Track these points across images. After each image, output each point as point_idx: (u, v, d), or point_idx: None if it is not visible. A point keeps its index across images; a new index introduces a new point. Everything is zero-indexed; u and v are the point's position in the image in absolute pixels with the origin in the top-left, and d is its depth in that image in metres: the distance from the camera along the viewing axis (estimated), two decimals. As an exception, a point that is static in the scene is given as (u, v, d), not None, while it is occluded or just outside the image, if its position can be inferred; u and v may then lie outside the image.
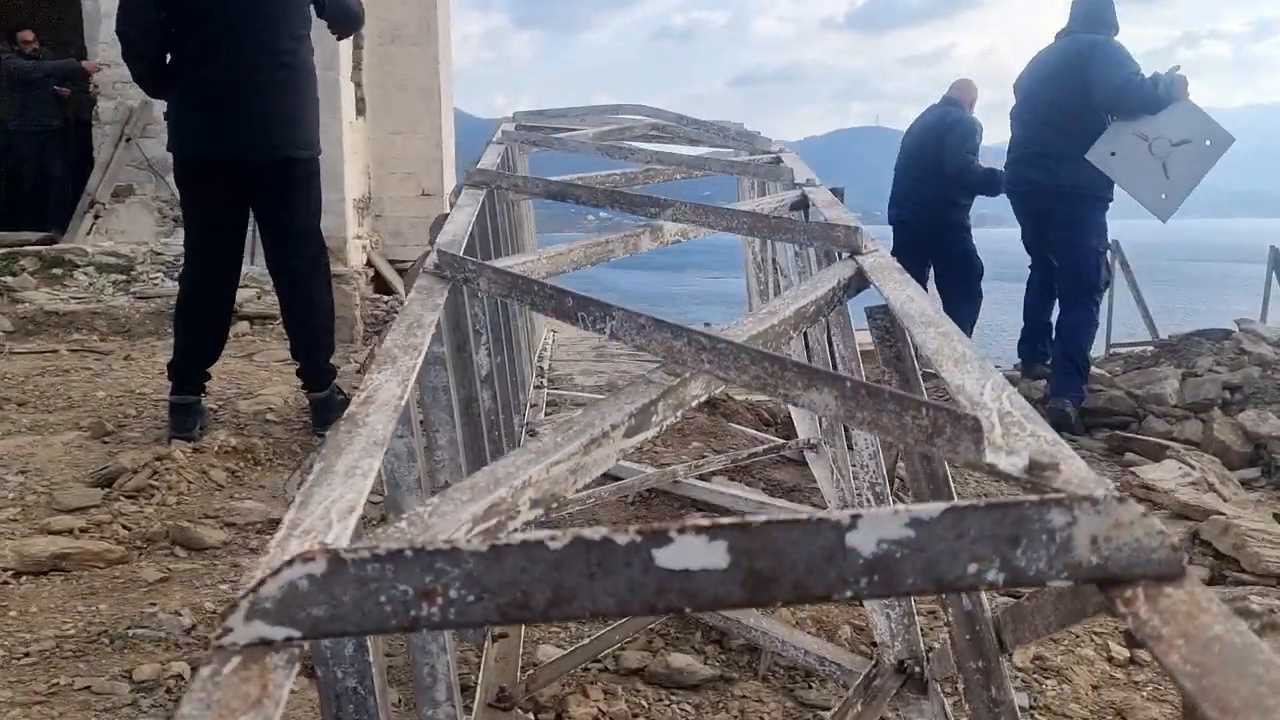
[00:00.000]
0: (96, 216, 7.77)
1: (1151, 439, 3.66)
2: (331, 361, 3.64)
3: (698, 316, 12.63)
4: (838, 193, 2.43)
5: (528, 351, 4.23)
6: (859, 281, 1.49)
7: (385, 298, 8.96)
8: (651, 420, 1.06)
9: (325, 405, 3.51)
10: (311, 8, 3.42)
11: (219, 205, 3.49)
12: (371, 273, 9.81)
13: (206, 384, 3.59)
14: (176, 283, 6.33)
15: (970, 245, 5.90)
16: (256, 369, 4.81)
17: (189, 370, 3.46)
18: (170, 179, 8.58)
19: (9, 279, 6.06)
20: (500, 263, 1.58)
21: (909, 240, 5.76)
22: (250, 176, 3.39)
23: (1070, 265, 4.45)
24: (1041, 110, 4.61)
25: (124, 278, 6.30)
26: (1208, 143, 4.30)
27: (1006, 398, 0.92)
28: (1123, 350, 5.33)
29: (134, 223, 8.61)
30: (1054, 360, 4.38)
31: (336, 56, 8.69)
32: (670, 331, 1.10)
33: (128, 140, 8.30)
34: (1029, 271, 5.01)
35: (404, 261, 10.34)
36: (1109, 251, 4.93)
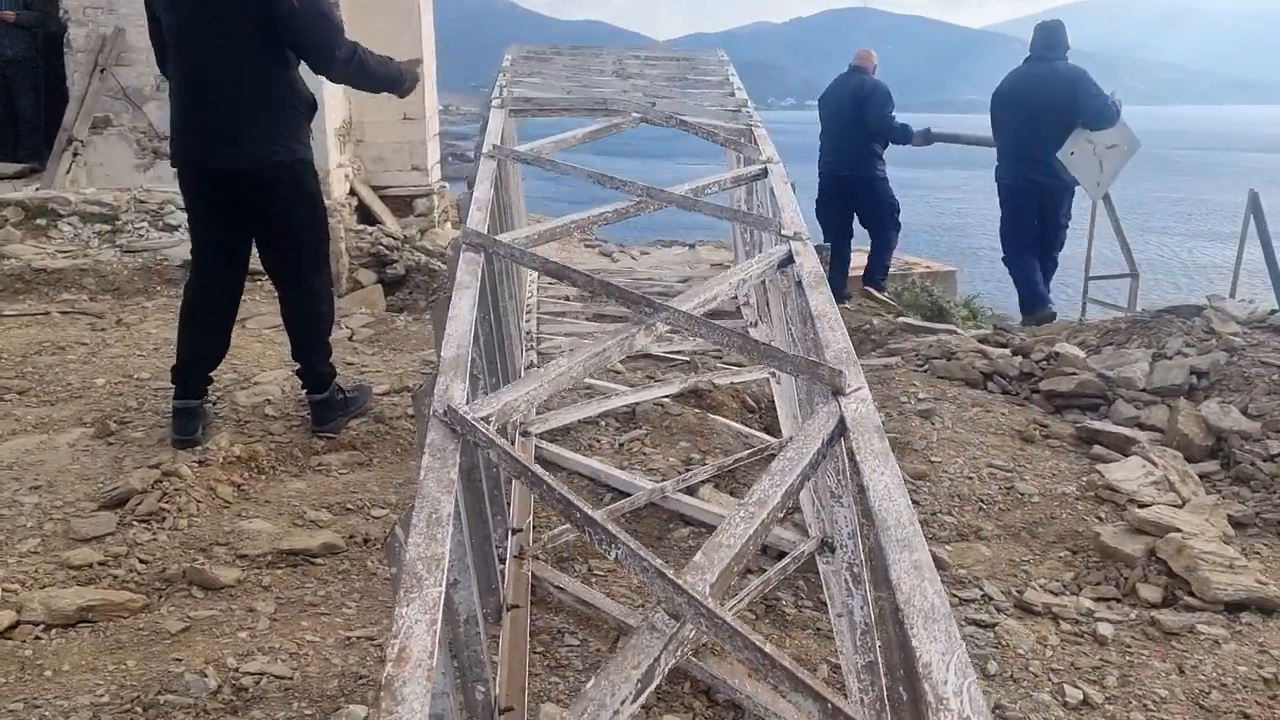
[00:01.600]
0: (75, 154, 7.66)
1: (1119, 431, 3.81)
2: (331, 360, 3.71)
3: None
4: (822, 251, 2.51)
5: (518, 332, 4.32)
6: (841, 431, 1.60)
7: (369, 228, 8.93)
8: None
9: (325, 405, 3.60)
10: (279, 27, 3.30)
11: (206, 209, 3.53)
12: (355, 202, 9.75)
13: (209, 384, 3.66)
14: (161, 233, 6.36)
15: (889, 190, 7.52)
16: (250, 340, 4.87)
17: (190, 375, 3.54)
18: (146, 109, 8.47)
19: (-7, 232, 6.05)
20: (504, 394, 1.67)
21: (840, 191, 7.39)
22: (222, 182, 3.42)
23: (1057, 239, 6.68)
24: (1034, 123, 6.31)
25: (109, 228, 6.29)
26: (1127, 147, 6.33)
27: (968, 691, 1.03)
28: (1094, 321, 5.48)
29: (112, 154, 8.52)
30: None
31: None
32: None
33: (102, 71, 8.13)
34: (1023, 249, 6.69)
35: (387, 187, 10.27)
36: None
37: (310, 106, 3.54)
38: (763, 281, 3.91)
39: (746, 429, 3.74)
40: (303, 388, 3.68)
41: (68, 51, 8.43)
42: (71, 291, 5.65)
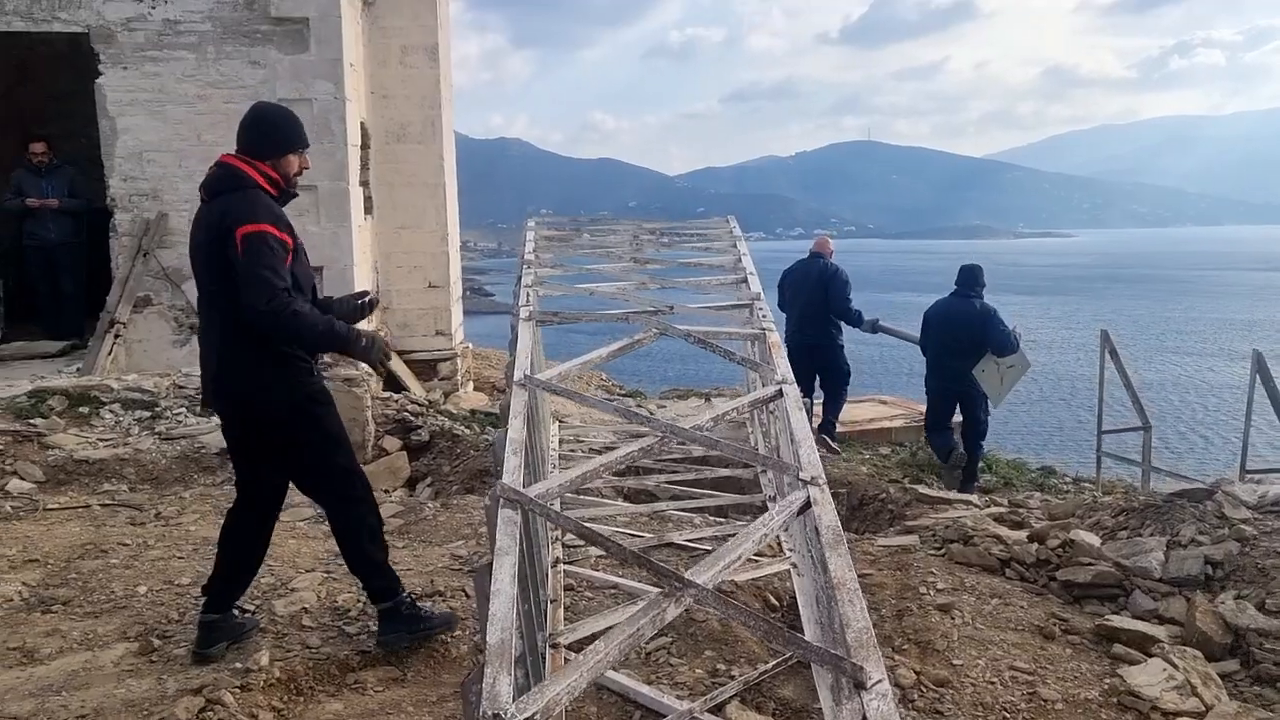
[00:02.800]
0: (117, 336, 7.99)
1: (1139, 629, 3.87)
2: (387, 570, 3.69)
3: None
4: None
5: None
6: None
7: (395, 395, 9.18)
8: None
9: (387, 618, 3.60)
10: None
11: (230, 438, 3.73)
12: (382, 369, 10.04)
13: (237, 601, 3.78)
14: (199, 418, 6.58)
15: (843, 357, 8.92)
16: (285, 535, 5.02)
17: (218, 588, 3.67)
18: (185, 287, 8.85)
19: (39, 421, 6.29)
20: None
21: (805, 358, 8.26)
22: (230, 415, 3.60)
23: (978, 431, 8.26)
24: (953, 345, 8.05)
25: (148, 414, 6.53)
26: (1021, 366, 8.02)
27: None
28: (1106, 499, 5.59)
29: (151, 331, 8.88)
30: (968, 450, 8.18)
31: (345, 167, 8.98)
32: None
33: (145, 254, 8.55)
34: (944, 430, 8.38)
35: (412, 352, 10.59)
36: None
37: (312, 349, 3.61)
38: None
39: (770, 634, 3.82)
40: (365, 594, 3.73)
41: (113, 235, 8.90)
42: (112, 482, 5.85)
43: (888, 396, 12.18)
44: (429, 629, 3.66)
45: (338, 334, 3.48)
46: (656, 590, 4.16)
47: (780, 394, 3.41)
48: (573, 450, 7.15)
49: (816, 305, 8.73)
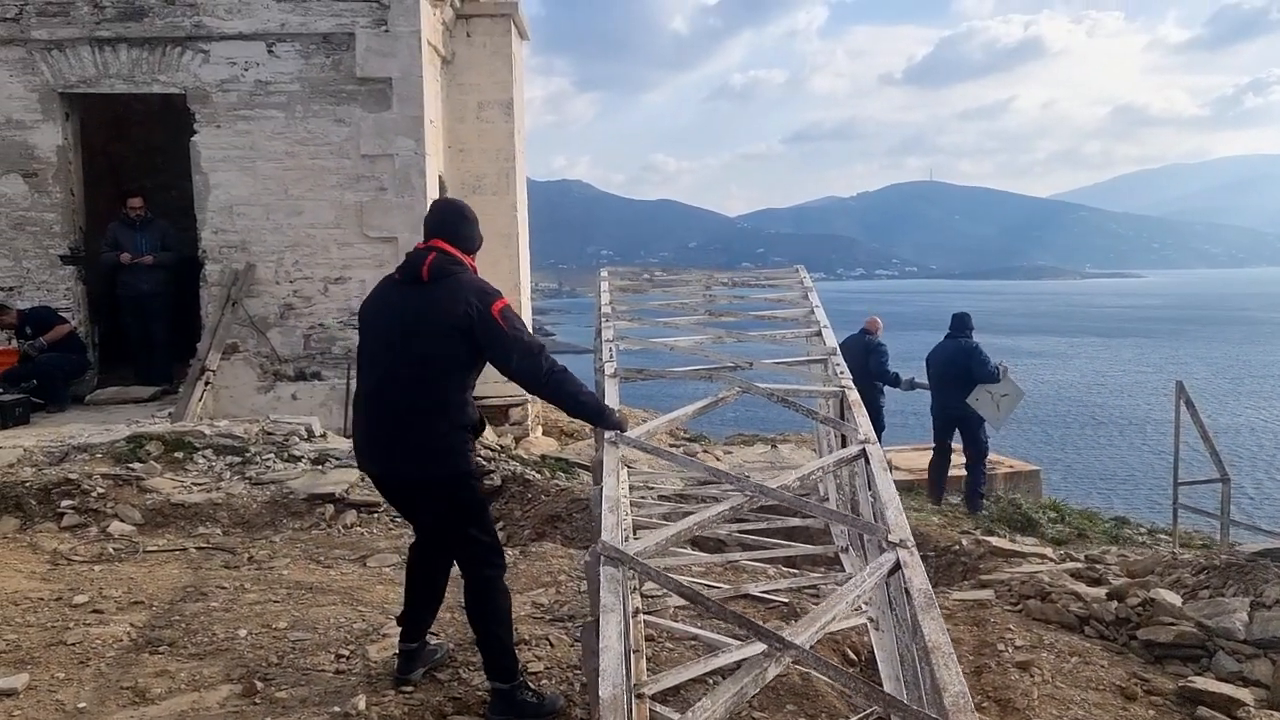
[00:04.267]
0: (207, 383, 8.34)
1: (1223, 691, 3.85)
2: (512, 652, 3.73)
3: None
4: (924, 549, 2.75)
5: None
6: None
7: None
8: None
9: (505, 699, 3.63)
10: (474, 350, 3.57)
11: (396, 500, 3.93)
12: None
13: (426, 629, 3.97)
14: (286, 464, 6.84)
15: (880, 403, 10.54)
16: (372, 580, 5.20)
17: (411, 619, 3.91)
18: (269, 334, 9.20)
19: (137, 465, 6.59)
20: None
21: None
22: (393, 486, 3.78)
23: (973, 435, 9.85)
24: (948, 379, 9.75)
25: (239, 459, 6.80)
26: (1014, 395, 9.47)
27: None
28: (1184, 554, 5.53)
29: (237, 378, 9.23)
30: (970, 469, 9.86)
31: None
32: None
33: (234, 304, 8.92)
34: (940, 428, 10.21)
35: (485, 398, 10.81)
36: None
37: (478, 428, 3.77)
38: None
39: (849, 689, 3.87)
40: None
41: (203, 286, 9.31)
42: (206, 525, 6.10)
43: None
44: (543, 713, 3.64)
45: (593, 401, 3.85)
46: (736, 642, 4.26)
47: (864, 454, 3.50)
48: (643, 497, 7.25)
49: (859, 371, 9.76)
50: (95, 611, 4.68)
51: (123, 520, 6.11)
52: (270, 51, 9.20)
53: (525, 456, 9.49)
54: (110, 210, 10.08)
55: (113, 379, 9.73)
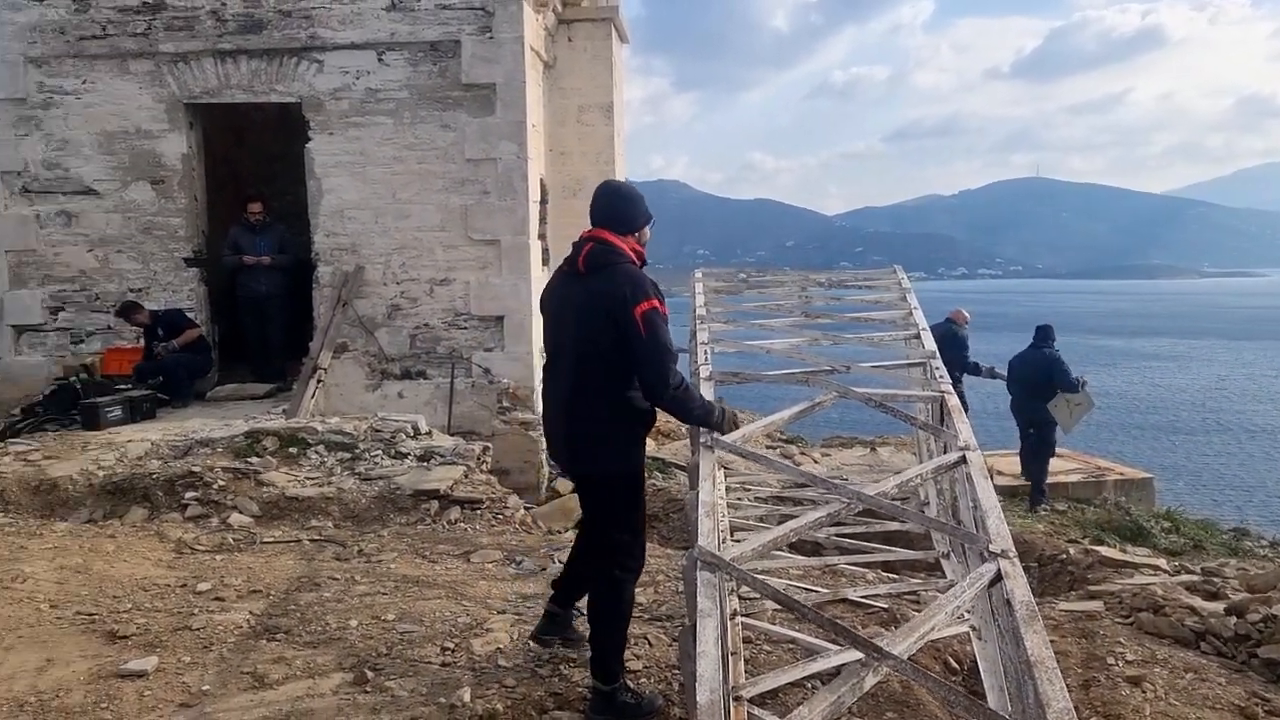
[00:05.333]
0: (319, 381, 8.65)
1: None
2: (622, 656, 3.75)
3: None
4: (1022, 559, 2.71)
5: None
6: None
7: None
8: None
9: (605, 699, 3.65)
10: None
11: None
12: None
13: (575, 600, 4.15)
14: (393, 460, 7.06)
15: (961, 391, 10.02)
16: (474, 576, 5.34)
17: (563, 586, 4.15)
18: (377, 334, 9.50)
19: (254, 459, 6.90)
20: None
21: None
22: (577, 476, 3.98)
23: (1048, 438, 10.71)
24: (1030, 386, 10.76)
25: (349, 455, 7.05)
26: (1087, 404, 10.60)
27: None
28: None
29: (346, 376, 9.55)
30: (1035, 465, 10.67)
31: (526, 222, 9.47)
32: None
33: (344, 305, 9.23)
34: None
35: (582, 397, 10.96)
36: None
37: (647, 420, 3.77)
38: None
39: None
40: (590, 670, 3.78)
41: (315, 287, 9.67)
42: (318, 519, 6.35)
43: (1064, 450, 11.77)
44: (640, 715, 3.66)
45: (711, 413, 3.87)
46: (835, 646, 4.24)
47: (964, 460, 3.45)
48: (739, 499, 7.26)
49: (942, 355, 10.36)
50: (217, 599, 4.92)
51: (241, 512, 6.40)
52: (380, 60, 9.49)
53: (623, 456, 9.58)
54: (231, 215, 10.54)
55: (231, 376, 10.18)
